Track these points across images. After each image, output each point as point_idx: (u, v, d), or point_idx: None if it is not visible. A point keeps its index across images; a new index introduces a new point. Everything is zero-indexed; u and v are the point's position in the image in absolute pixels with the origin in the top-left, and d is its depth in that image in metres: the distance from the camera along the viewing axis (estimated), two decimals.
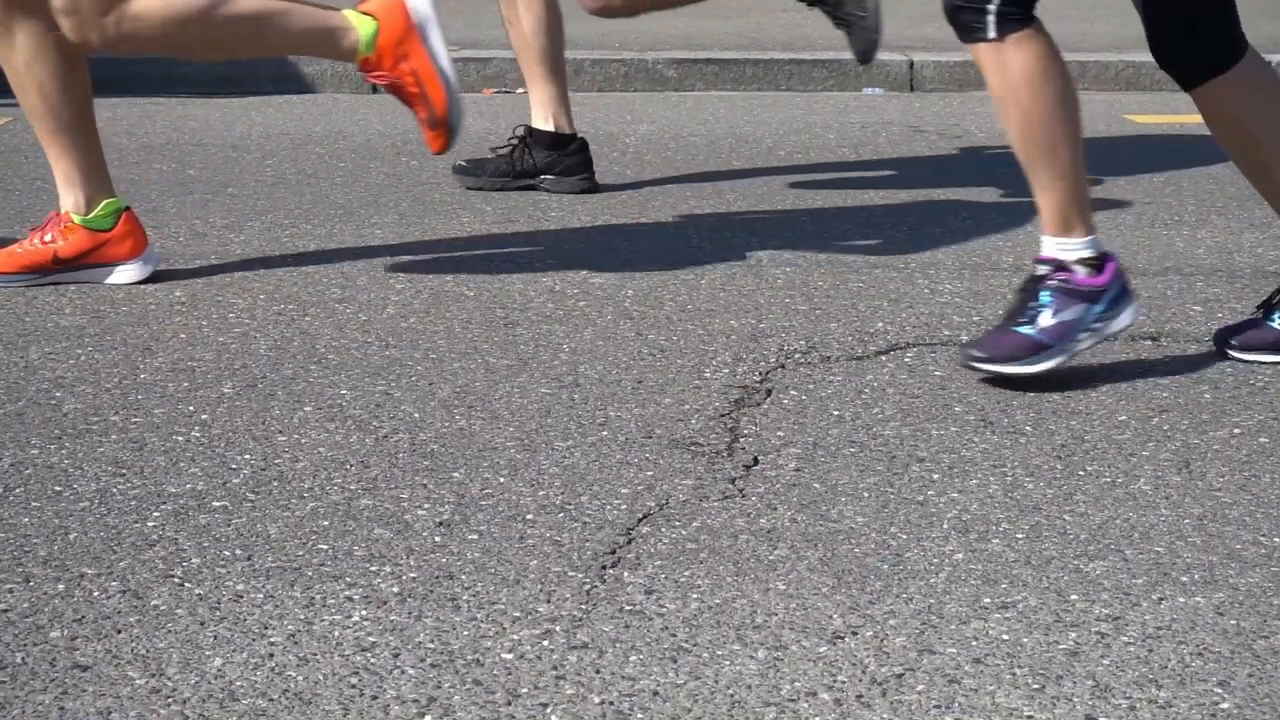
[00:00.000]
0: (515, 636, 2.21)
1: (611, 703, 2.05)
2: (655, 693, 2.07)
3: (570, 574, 2.39)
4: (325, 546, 2.48)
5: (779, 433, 2.98)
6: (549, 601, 2.31)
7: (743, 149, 5.75)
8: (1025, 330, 3.19)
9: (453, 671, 2.12)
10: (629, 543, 2.50)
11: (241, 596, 2.32)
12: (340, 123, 6.20)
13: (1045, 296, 3.21)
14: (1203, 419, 3.07)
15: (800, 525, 2.58)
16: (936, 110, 6.74)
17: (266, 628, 2.23)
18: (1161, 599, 2.34)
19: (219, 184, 5.06)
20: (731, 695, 2.07)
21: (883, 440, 2.94)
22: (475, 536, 2.52)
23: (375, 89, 6.99)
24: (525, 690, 2.07)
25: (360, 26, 3.70)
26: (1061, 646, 2.20)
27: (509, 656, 2.16)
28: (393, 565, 2.42)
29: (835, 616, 2.28)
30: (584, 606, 2.29)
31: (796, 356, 3.41)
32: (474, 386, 3.20)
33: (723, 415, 3.06)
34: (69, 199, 3.86)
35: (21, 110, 3.90)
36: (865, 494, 2.70)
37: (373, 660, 2.14)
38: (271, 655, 2.15)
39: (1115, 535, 2.56)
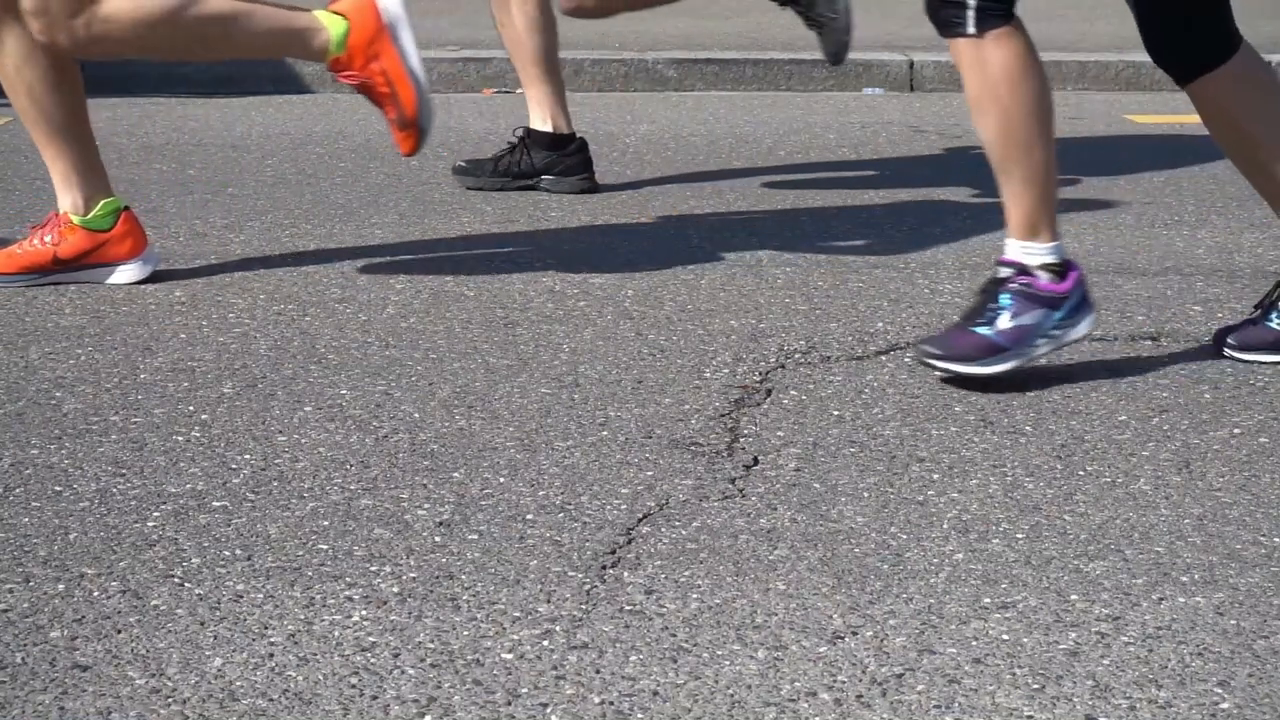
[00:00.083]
0: (515, 636, 2.21)
1: (611, 703, 2.05)
2: (655, 693, 2.07)
3: (570, 574, 2.39)
4: (325, 546, 2.48)
5: (779, 433, 2.98)
6: (549, 601, 2.31)
7: (743, 149, 5.75)
8: (983, 331, 3.19)
9: (453, 671, 2.12)
10: (629, 543, 2.50)
11: (241, 596, 2.32)
12: (340, 123, 6.20)
13: (1005, 299, 3.20)
14: (1203, 419, 3.07)
15: (800, 525, 2.58)
16: (936, 110, 6.74)
17: (266, 628, 2.23)
18: (1161, 599, 2.34)
19: (219, 184, 5.06)
20: (731, 695, 2.07)
21: (883, 440, 2.94)
22: (475, 536, 2.52)
23: None
24: (525, 690, 2.07)
25: (331, 26, 3.69)
26: (1061, 646, 2.20)
27: (509, 656, 2.16)
28: (393, 565, 2.42)
29: (835, 616, 2.28)
30: (584, 606, 2.30)
31: (796, 356, 3.41)
32: (474, 386, 3.20)
33: (723, 415, 3.06)
34: (67, 200, 3.86)
35: None
36: (865, 494, 2.70)
37: (373, 660, 2.14)
38: (271, 655, 2.15)
39: (1115, 535, 2.56)
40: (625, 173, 5.29)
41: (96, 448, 2.86)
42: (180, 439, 2.91)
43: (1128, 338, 3.56)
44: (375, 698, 2.05)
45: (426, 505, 2.63)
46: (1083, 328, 3.25)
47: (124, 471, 2.76)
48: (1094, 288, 3.93)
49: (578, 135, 5.00)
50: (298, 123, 6.23)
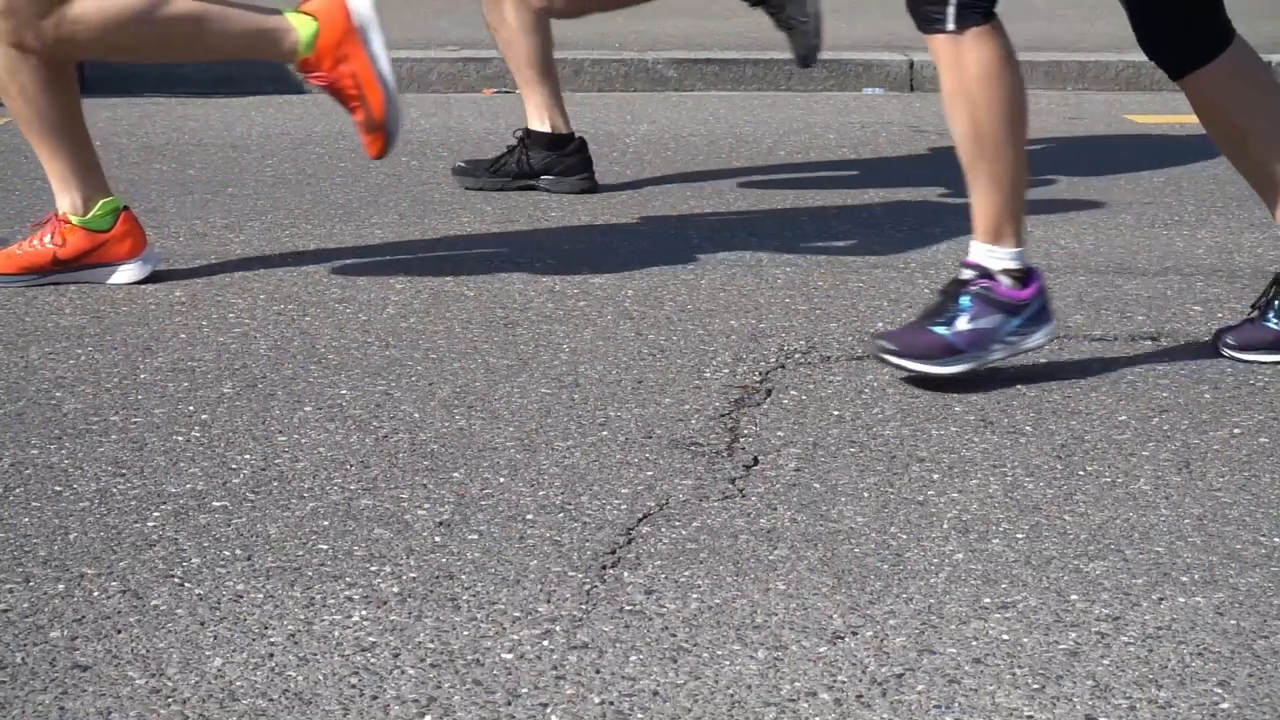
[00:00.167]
0: (515, 636, 2.21)
1: (611, 703, 2.05)
2: (655, 693, 2.08)
3: (570, 574, 2.39)
4: (325, 546, 2.48)
5: (779, 433, 2.98)
6: (549, 601, 2.31)
7: (743, 149, 5.75)
8: (940, 331, 3.18)
9: (453, 671, 2.12)
10: (629, 543, 2.50)
11: (241, 596, 2.32)
12: (340, 123, 6.20)
13: (965, 301, 3.19)
14: (1203, 419, 3.07)
15: (800, 525, 2.58)
16: (936, 110, 6.71)
17: (266, 628, 2.23)
18: (1161, 599, 2.34)
19: (219, 184, 5.06)
20: (731, 695, 2.07)
21: (883, 440, 2.94)
22: (475, 536, 2.52)
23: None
24: (525, 690, 2.08)
25: (300, 27, 3.68)
26: (1061, 646, 2.20)
27: (509, 656, 2.16)
28: (393, 565, 2.42)
29: (835, 616, 2.28)
30: (584, 606, 2.30)
31: (796, 356, 3.41)
32: (474, 386, 3.20)
33: (723, 415, 3.06)
34: (65, 200, 3.86)
35: None
36: (865, 494, 2.70)
37: (373, 660, 2.14)
38: (271, 655, 2.15)
39: (1115, 535, 2.56)
40: (625, 173, 5.29)
41: (96, 448, 2.86)
42: (180, 439, 2.91)
43: (1128, 338, 3.56)
44: (375, 698, 2.05)
45: (426, 505, 2.64)
46: (1039, 337, 3.24)
47: (124, 471, 2.76)
48: (1094, 288, 3.94)
49: (577, 135, 5.00)
50: (298, 123, 6.23)
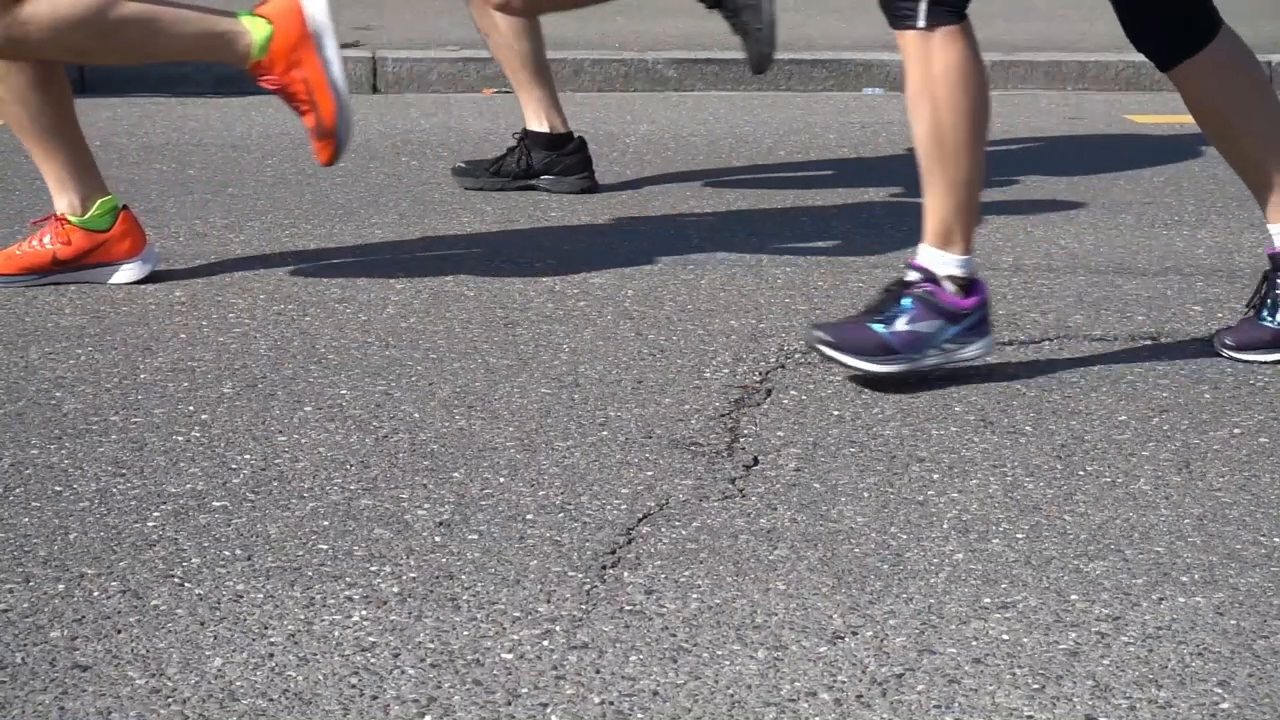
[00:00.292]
0: (515, 636, 2.21)
1: (611, 703, 2.05)
2: (655, 693, 2.07)
3: (570, 574, 2.39)
4: (325, 546, 2.48)
5: (779, 433, 2.98)
6: (549, 601, 2.31)
7: (743, 149, 5.75)
8: (877, 328, 3.18)
9: (453, 671, 2.12)
10: (629, 543, 2.50)
11: (241, 596, 2.32)
12: None
13: (907, 303, 3.19)
14: (1203, 419, 3.07)
15: (800, 525, 2.58)
16: None
17: (266, 628, 2.23)
18: (1161, 599, 2.34)
19: (219, 184, 5.06)
20: (731, 695, 2.07)
21: (883, 440, 2.94)
22: (475, 536, 2.52)
23: (375, 89, 6.99)
24: (525, 690, 2.08)
25: (254, 30, 3.67)
26: (1061, 646, 2.20)
27: (509, 656, 2.16)
28: (393, 565, 2.42)
29: (835, 616, 2.28)
30: (584, 606, 2.30)
31: (796, 356, 3.40)
32: (474, 386, 3.20)
33: (723, 415, 3.06)
34: (63, 201, 3.86)
35: None
36: (865, 494, 2.70)
37: (373, 660, 2.14)
38: (271, 655, 2.15)
39: (1115, 535, 2.56)
40: (625, 173, 5.29)
41: (96, 448, 2.86)
42: (180, 439, 2.91)
43: (1128, 338, 3.56)
44: (375, 698, 2.05)
45: (426, 505, 2.64)
46: (974, 349, 3.22)
47: (124, 471, 2.76)
48: (1094, 288, 3.94)
49: (576, 134, 5.00)
50: (298, 123, 6.18)
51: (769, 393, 3.19)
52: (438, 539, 2.51)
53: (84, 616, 2.25)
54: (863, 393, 3.18)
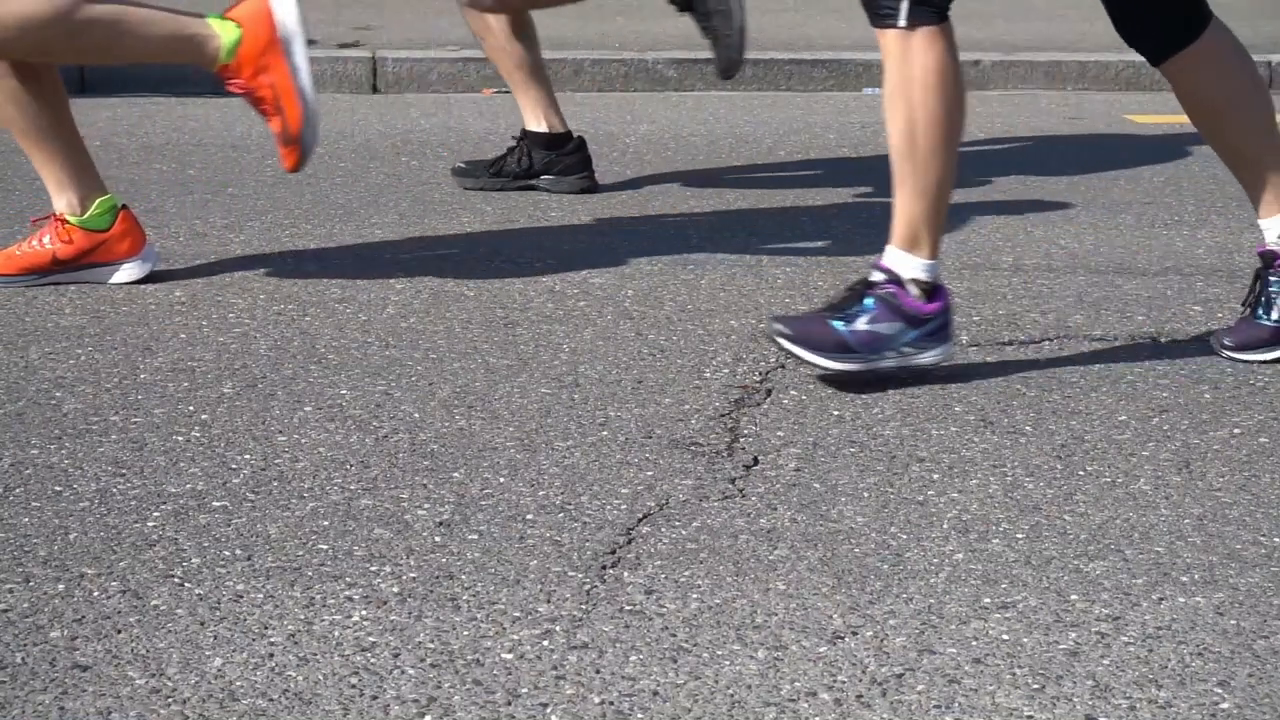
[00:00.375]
0: (515, 636, 2.21)
1: (611, 703, 2.05)
2: (655, 693, 2.08)
3: (570, 574, 2.39)
4: (325, 546, 2.48)
5: (779, 433, 2.98)
6: (549, 601, 2.31)
7: (743, 149, 5.75)
8: (838, 326, 3.17)
9: (453, 671, 2.12)
10: (629, 543, 2.50)
11: (241, 596, 2.32)
12: (340, 123, 6.20)
13: (869, 303, 3.18)
14: (1203, 419, 3.07)
15: (800, 525, 2.58)
16: None
17: (266, 628, 2.23)
18: (1161, 599, 2.34)
19: (219, 184, 5.06)
20: (731, 695, 2.07)
21: (883, 440, 2.94)
22: (475, 536, 2.52)
23: (375, 89, 6.99)
24: (525, 690, 2.08)
25: (223, 33, 3.67)
26: (1061, 646, 2.20)
27: (509, 656, 2.16)
28: (393, 565, 2.42)
29: (835, 616, 2.28)
30: (584, 606, 2.30)
31: None
32: (474, 386, 3.20)
33: (723, 415, 3.06)
34: (62, 201, 3.86)
35: None
36: (865, 494, 2.70)
37: (373, 660, 2.14)
38: (271, 655, 2.15)
39: (1115, 535, 2.56)
40: (625, 173, 5.29)
41: (96, 448, 2.86)
42: (180, 439, 2.91)
43: (1128, 338, 3.56)
44: (375, 698, 2.05)
45: (426, 505, 2.64)
46: (933, 355, 3.21)
47: (124, 471, 2.76)
48: (1094, 288, 3.94)
49: (575, 134, 5.00)
50: None
51: (769, 393, 3.19)
52: (438, 539, 2.51)
53: (84, 616, 2.25)
54: (862, 393, 3.18)
